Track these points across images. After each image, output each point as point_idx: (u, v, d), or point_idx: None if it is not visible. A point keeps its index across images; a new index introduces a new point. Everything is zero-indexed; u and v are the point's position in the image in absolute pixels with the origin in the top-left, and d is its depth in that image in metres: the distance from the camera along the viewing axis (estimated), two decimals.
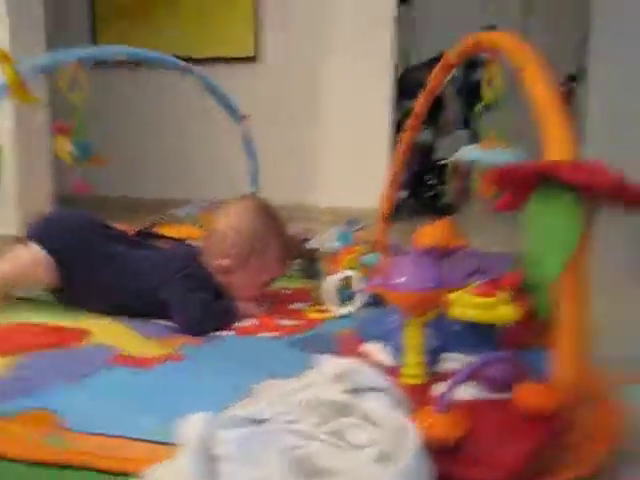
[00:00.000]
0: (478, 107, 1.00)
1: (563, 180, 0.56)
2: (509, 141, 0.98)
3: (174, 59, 1.60)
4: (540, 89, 0.66)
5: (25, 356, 0.86)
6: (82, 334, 0.96)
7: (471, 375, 0.57)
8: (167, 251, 1.19)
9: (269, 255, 1.13)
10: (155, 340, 0.95)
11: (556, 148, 0.61)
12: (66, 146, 1.34)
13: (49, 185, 2.17)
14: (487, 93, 0.98)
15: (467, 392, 0.64)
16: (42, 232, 1.12)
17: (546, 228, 0.61)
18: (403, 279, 0.62)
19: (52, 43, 2.09)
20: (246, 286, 1.13)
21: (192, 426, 0.55)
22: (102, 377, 0.80)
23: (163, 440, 0.62)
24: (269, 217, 1.15)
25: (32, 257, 1.07)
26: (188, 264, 1.10)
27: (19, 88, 1.30)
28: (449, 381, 0.57)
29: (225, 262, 1.11)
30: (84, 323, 1.02)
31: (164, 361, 0.86)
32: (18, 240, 1.14)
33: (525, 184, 0.61)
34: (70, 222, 1.16)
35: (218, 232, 1.13)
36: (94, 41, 3.29)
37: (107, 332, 0.98)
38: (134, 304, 1.09)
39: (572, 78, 3.42)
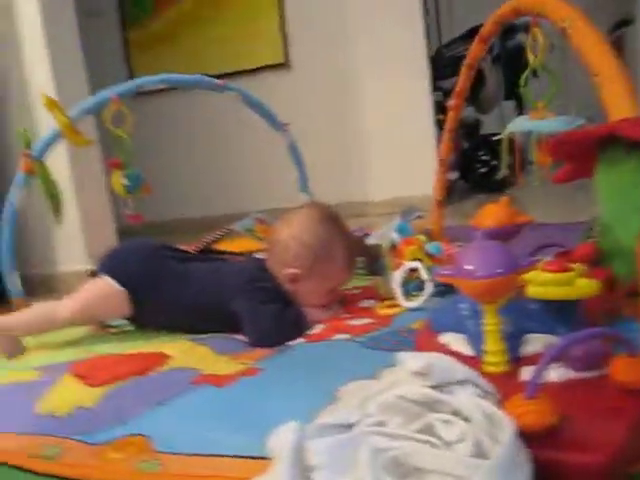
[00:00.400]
0: (525, 74, 0.96)
1: (631, 138, 0.53)
2: (559, 107, 0.94)
3: (211, 79, 1.62)
4: (590, 45, 0.63)
5: (112, 386, 0.89)
6: (162, 359, 0.98)
7: (558, 356, 0.55)
8: (235, 264, 1.20)
9: (334, 262, 1.12)
10: (230, 356, 0.96)
11: (617, 106, 0.58)
12: (120, 180, 1.38)
13: (110, 218, 2.24)
14: (532, 59, 0.94)
15: (554, 374, 0.61)
16: (112, 265, 1.17)
17: (618, 191, 0.59)
18: (472, 267, 0.60)
19: (91, 77, 2.17)
20: (313, 294, 1.12)
21: (283, 438, 0.56)
22: (188, 398, 0.81)
23: (255, 455, 0.63)
24: (332, 224, 1.14)
25: (105, 291, 1.13)
26: (256, 276, 1.12)
27: (72, 133, 1.35)
28: (536, 365, 0.55)
29: (290, 272, 1.11)
30: (162, 347, 1.05)
31: (242, 376, 0.87)
32: (91, 274, 1.20)
33: (588, 150, 0.58)
34: (137, 252, 1.20)
35: (281, 242, 1.13)
36: (130, 69, 3.40)
37: (185, 354, 1.00)
38: (206, 320, 1.11)
39: (621, 24, 3.28)
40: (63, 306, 1.14)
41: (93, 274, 1.19)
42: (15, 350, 1.16)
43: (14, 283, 1.44)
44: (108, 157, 1.40)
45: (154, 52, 3.34)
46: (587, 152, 0.59)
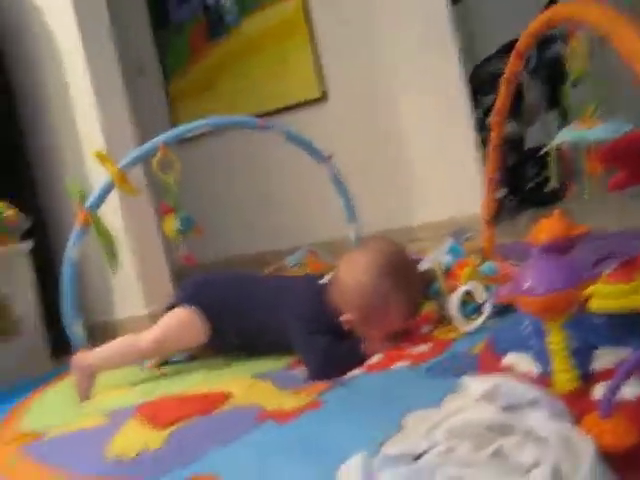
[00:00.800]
0: (567, 84, 0.94)
1: None
2: (604, 115, 0.92)
3: (252, 119, 1.67)
4: (636, 51, 0.61)
5: (177, 427, 0.90)
6: (225, 397, 0.99)
7: (632, 371, 0.52)
8: (295, 289, 1.20)
9: (391, 311, 1.08)
10: (292, 391, 0.96)
11: None
12: (172, 224, 1.42)
13: (165, 263, 2.30)
14: (574, 67, 0.92)
15: (628, 390, 0.59)
16: (193, 295, 1.23)
17: None
18: (530, 283, 0.58)
19: (137, 129, 2.26)
20: (369, 338, 1.10)
21: (351, 471, 0.55)
22: (254, 435, 0.81)
23: None
24: (394, 271, 1.08)
25: (186, 319, 1.19)
26: (313, 305, 1.12)
27: (123, 183, 1.41)
28: (608, 382, 0.53)
29: (346, 317, 1.09)
30: (224, 385, 1.05)
31: (306, 410, 0.86)
32: (168, 308, 1.25)
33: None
34: (211, 281, 1.27)
35: (340, 283, 1.12)
36: (173, 118, 3.52)
37: (247, 391, 1.01)
38: (274, 339, 1.15)
39: None
40: (144, 337, 1.20)
41: (170, 308, 1.25)
42: (88, 391, 1.22)
43: (77, 333, 1.49)
44: (158, 203, 1.44)
45: (194, 100, 3.45)
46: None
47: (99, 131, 2.07)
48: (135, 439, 0.88)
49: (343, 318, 1.10)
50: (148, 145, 1.49)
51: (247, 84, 3.31)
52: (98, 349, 1.28)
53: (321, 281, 1.18)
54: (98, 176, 1.53)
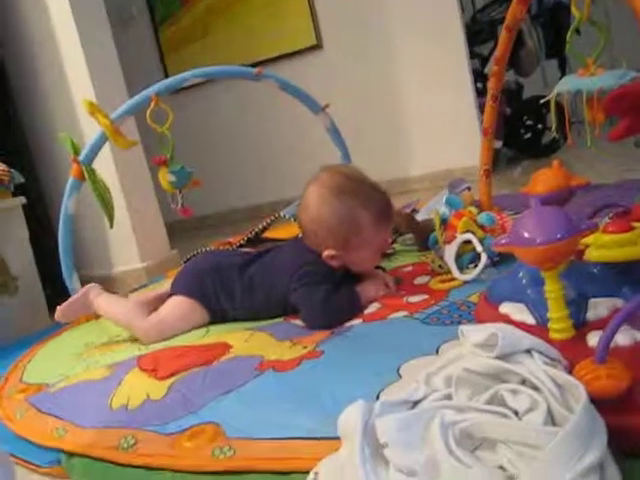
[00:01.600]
0: (571, 31, 0.92)
1: None
2: (607, 62, 0.90)
3: (246, 69, 1.63)
4: None
5: (179, 377, 0.91)
6: (226, 348, 1.00)
7: (627, 319, 0.53)
8: (284, 254, 1.20)
9: (366, 228, 1.09)
10: (291, 341, 0.98)
11: None
12: (167, 176, 1.41)
13: (160, 216, 2.29)
14: (578, 14, 0.89)
15: (622, 337, 0.60)
16: (185, 284, 1.22)
17: None
18: (530, 234, 0.59)
19: (127, 79, 2.22)
20: (360, 262, 1.12)
21: (351, 417, 0.56)
22: (254, 385, 0.83)
23: (325, 435, 0.64)
24: (349, 193, 1.09)
25: (183, 309, 1.18)
26: (302, 261, 1.12)
27: (115, 135, 1.38)
28: (603, 330, 0.54)
29: (328, 254, 1.10)
30: (224, 338, 1.07)
31: (305, 360, 0.87)
32: (169, 296, 1.25)
33: None
34: (204, 266, 1.23)
35: (306, 228, 1.13)
36: (164, 68, 3.45)
37: (247, 342, 1.02)
38: (275, 313, 1.15)
39: None
40: (148, 319, 1.19)
41: (169, 295, 1.25)
42: (71, 316, 1.30)
43: (75, 286, 1.50)
44: (151, 156, 1.43)
45: (186, 49, 3.37)
46: None
47: (89, 85, 2.03)
48: (137, 390, 0.89)
49: (325, 255, 1.10)
50: (140, 96, 1.46)
51: (241, 32, 3.23)
52: (108, 298, 1.29)
53: (301, 236, 1.19)
54: (91, 131, 1.50)
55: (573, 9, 0.90)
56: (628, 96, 0.57)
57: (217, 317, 1.20)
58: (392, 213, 1.15)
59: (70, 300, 1.29)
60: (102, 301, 1.26)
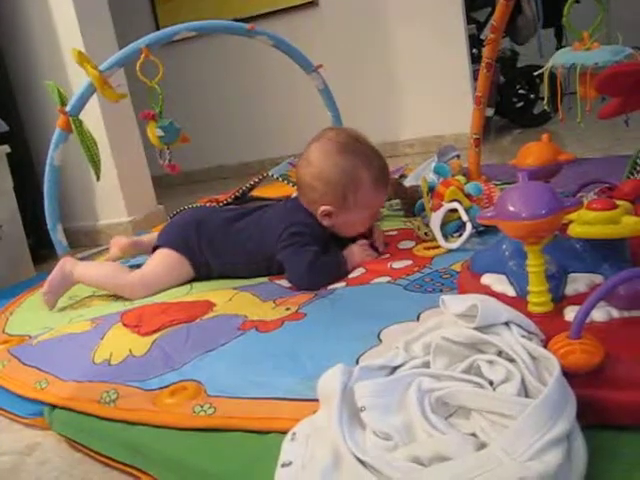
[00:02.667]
0: (569, 2, 0.90)
1: None
2: (602, 37, 0.90)
3: (240, 24, 1.59)
4: None
5: (162, 334, 0.92)
6: (209, 306, 1.01)
7: (603, 297, 0.54)
8: (272, 212, 1.20)
9: (364, 189, 1.10)
10: (274, 302, 0.98)
11: None
12: (155, 131, 1.39)
13: (147, 171, 2.27)
14: None
15: (598, 314, 0.61)
16: (170, 237, 1.22)
17: None
18: (516, 208, 0.59)
19: (117, 30, 2.16)
20: (352, 224, 1.13)
21: (330, 380, 0.58)
22: (236, 344, 0.83)
23: (304, 397, 0.65)
24: (351, 152, 1.10)
25: (169, 262, 1.19)
26: (291, 221, 1.12)
27: (104, 86, 1.36)
28: (580, 305, 0.55)
29: (323, 210, 1.11)
30: (207, 296, 1.07)
31: (287, 321, 0.88)
32: (154, 249, 1.25)
33: (636, 85, 0.55)
34: (190, 221, 1.23)
35: (306, 183, 1.12)
36: (155, 19, 3.36)
37: (231, 301, 1.03)
38: (261, 271, 1.15)
39: None
40: (132, 274, 1.19)
41: (155, 249, 1.25)
42: (56, 297, 1.22)
43: (59, 238, 1.49)
44: (140, 110, 1.40)
45: (179, 1, 3.27)
46: (637, 85, 0.56)
47: (79, 36, 1.98)
48: (120, 346, 0.90)
49: (321, 211, 1.11)
50: (130, 48, 1.42)
51: None
52: (86, 264, 1.27)
53: (294, 196, 1.18)
54: (79, 81, 1.47)
55: None
56: (620, 76, 0.57)
57: (201, 272, 1.20)
58: (389, 180, 1.16)
59: (49, 280, 1.21)
60: (81, 269, 1.22)
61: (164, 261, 1.20)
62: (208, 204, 1.73)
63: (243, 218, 1.20)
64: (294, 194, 1.19)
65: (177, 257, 1.19)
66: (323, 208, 1.11)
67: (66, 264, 1.23)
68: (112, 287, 1.21)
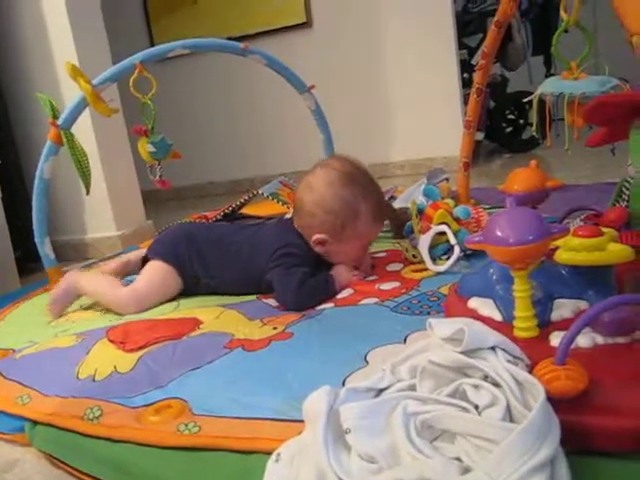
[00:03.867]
0: (557, 33, 0.92)
1: None
2: (590, 67, 0.92)
3: (234, 43, 1.61)
4: (631, 3, 0.60)
5: (148, 350, 0.91)
6: (195, 323, 1.00)
7: (588, 324, 0.55)
8: (264, 232, 1.20)
9: (361, 222, 1.10)
10: (261, 321, 0.98)
11: None
12: (146, 146, 1.39)
13: (137, 186, 2.27)
14: (566, 17, 0.90)
15: (583, 340, 0.62)
16: (160, 249, 1.23)
17: None
18: (503, 234, 0.60)
19: (112, 45, 2.17)
20: (343, 254, 1.13)
21: (316, 402, 0.57)
22: (223, 362, 0.83)
23: (289, 418, 0.65)
24: (355, 184, 1.10)
25: (166, 276, 1.19)
26: (283, 242, 1.12)
27: (96, 100, 1.36)
28: (565, 330, 0.56)
29: (318, 237, 1.11)
30: (194, 313, 1.07)
31: (274, 341, 0.88)
32: (144, 260, 1.25)
33: (624, 114, 0.57)
34: (177, 234, 1.24)
35: (305, 209, 1.12)
36: (150, 35, 3.38)
37: (217, 319, 1.02)
38: (249, 289, 1.16)
39: None
40: (125, 289, 1.20)
41: (145, 260, 1.25)
42: (62, 309, 1.23)
43: (47, 251, 1.48)
44: (132, 125, 1.41)
45: (174, 16, 3.30)
46: (624, 115, 0.57)
47: (73, 50, 1.98)
48: (105, 362, 0.89)
49: (315, 238, 1.11)
50: (124, 63, 1.43)
51: (231, 2, 3.18)
52: (88, 277, 1.28)
53: (287, 216, 1.19)
54: (72, 95, 1.47)
55: (562, 12, 0.91)
56: (606, 107, 0.59)
57: (190, 285, 1.20)
58: (385, 214, 1.17)
59: (52, 293, 1.23)
60: (84, 282, 1.23)
61: (154, 276, 1.19)
62: (198, 220, 1.73)
63: (234, 235, 1.20)
64: (287, 215, 1.19)
65: (167, 270, 1.19)
66: (318, 236, 1.11)
67: (71, 276, 1.24)
68: (106, 303, 1.20)
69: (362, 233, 1.12)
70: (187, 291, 1.21)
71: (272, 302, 1.09)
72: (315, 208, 1.11)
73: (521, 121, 3.12)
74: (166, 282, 1.19)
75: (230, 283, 1.18)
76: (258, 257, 1.13)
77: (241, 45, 1.59)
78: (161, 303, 1.18)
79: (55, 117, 1.41)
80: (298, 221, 1.15)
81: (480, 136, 2.96)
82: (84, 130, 1.82)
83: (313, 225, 1.11)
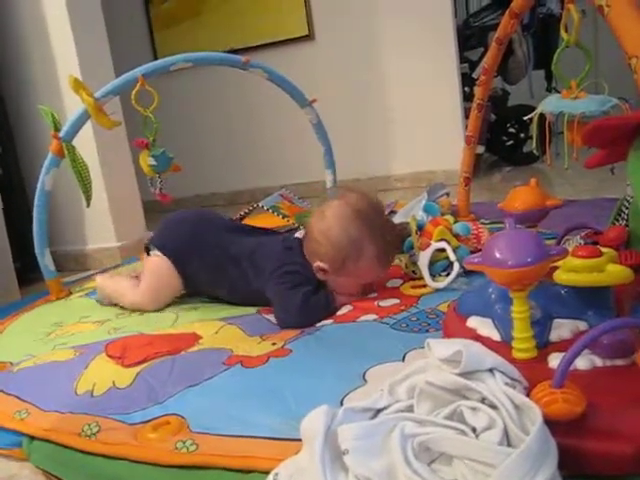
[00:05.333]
0: (558, 52, 0.93)
1: None
2: (590, 86, 0.92)
3: (235, 57, 1.62)
4: (629, 26, 0.60)
5: (146, 366, 0.91)
6: (194, 339, 1.00)
7: (587, 346, 0.55)
8: (268, 245, 1.20)
9: (366, 260, 1.08)
10: (260, 337, 0.98)
11: None
12: (147, 160, 1.40)
13: (138, 197, 2.28)
14: (566, 36, 0.91)
15: (581, 362, 0.62)
16: (161, 238, 1.28)
17: None
18: (502, 255, 0.60)
19: (115, 58, 2.18)
20: (342, 287, 1.12)
21: (314, 421, 0.57)
22: (221, 379, 0.83)
23: (287, 436, 0.65)
24: (364, 222, 1.08)
25: (168, 273, 1.24)
26: (286, 260, 1.13)
27: (98, 113, 1.37)
28: (564, 352, 0.56)
29: (320, 265, 1.10)
30: (193, 328, 1.07)
31: (273, 357, 0.88)
32: (145, 249, 1.29)
33: (623, 135, 0.57)
34: (184, 230, 1.27)
35: (313, 235, 1.12)
36: (153, 48, 3.40)
37: (217, 335, 1.02)
38: (244, 302, 1.19)
39: None
40: (134, 292, 1.28)
41: (147, 249, 1.28)
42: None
43: (47, 263, 1.48)
44: (134, 137, 1.41)
45: (176, 27, 3.32)
46: (622, 137, 0.57)
47: (76, 63, 1.99)
48: (103, 377, 0.89)
49: (316, 265, 1.11)
50: (126, 76, 1.44)
51: (233, 15, 3.20)
52: (111, 279, 1.38)
53: (295, 235, 1.19)
54: (74, 107, 1.48)
55: (562, 32, 0.91)
56: (605, 129, 0.59)
57: (188, 283, 1.26)
58: (393, 258, 1.15)
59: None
60: (108, 284, 1.35)
61: (160, 275, 1.25)
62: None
63: (239, 244, 1.20)
64: (297, 234, 1.20)
65: (168, 267, 1.23)
66: (319, 264, 1.10)
67: (98, 279, 1.38)
68: (126, 305, 1.30)
69: (362, 272, 1.10)
70: (188, 285, 1.27)
71: (272, 318, 1.09)
72: (321, 237, 1.10)
73: (522, 135, 3.12)
74: (172, 280, 1.24)
75: (229, 291, 1.21)
76: (259, 274, 1.14)
77: (242, 59, 1.60)
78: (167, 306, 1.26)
79: (57, 129, 1.42)
80: (306, 244, 1.15)
81: (481, 149, 2.97)
82: (86, 141, 1.82)
83: (317, 253, 1.11)
